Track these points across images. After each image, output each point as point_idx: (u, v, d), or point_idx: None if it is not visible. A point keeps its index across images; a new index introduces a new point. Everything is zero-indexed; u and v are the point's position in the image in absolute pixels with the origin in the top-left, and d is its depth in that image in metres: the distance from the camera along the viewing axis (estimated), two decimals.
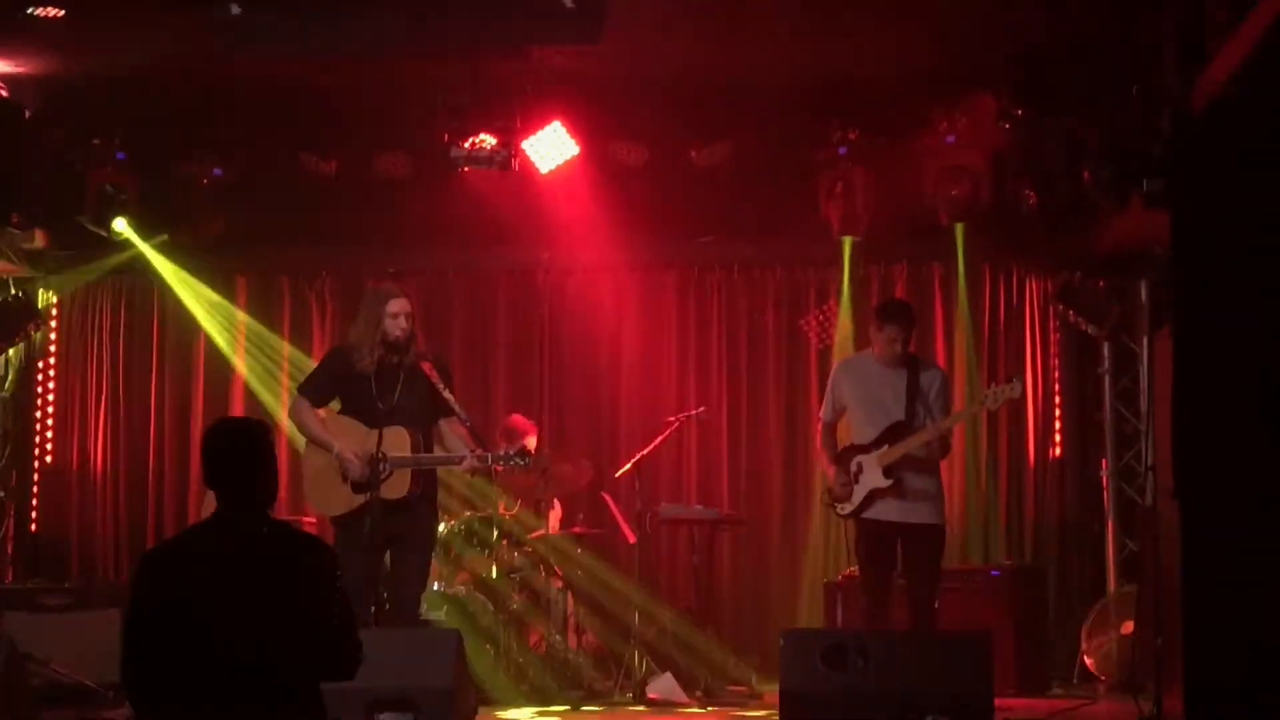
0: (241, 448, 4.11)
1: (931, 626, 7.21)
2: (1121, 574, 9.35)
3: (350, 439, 7.02)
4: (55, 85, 8.81)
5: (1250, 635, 5.38)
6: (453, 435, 7.15)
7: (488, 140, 8.73)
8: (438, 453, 7.14)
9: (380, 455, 6.80)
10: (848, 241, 9.69)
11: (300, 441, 7.49)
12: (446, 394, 7.05)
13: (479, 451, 7.05)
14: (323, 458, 7.09)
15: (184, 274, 9.95)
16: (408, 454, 6.95)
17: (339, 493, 7.03)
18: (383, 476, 6.83)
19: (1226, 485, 5.53)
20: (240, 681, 3.89)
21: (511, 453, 7.13)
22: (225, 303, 10.10)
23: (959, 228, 9.44)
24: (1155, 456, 7.40)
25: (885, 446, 7.30)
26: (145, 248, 9.65)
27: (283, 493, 9.51)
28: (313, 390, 7.27)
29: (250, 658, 3.90)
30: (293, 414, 7.33)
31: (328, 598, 4.03)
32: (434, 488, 7.21)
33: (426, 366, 7.08)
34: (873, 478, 7.31)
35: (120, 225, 9.42)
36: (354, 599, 4.33)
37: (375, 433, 6.83)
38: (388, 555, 7.01)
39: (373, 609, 6.86)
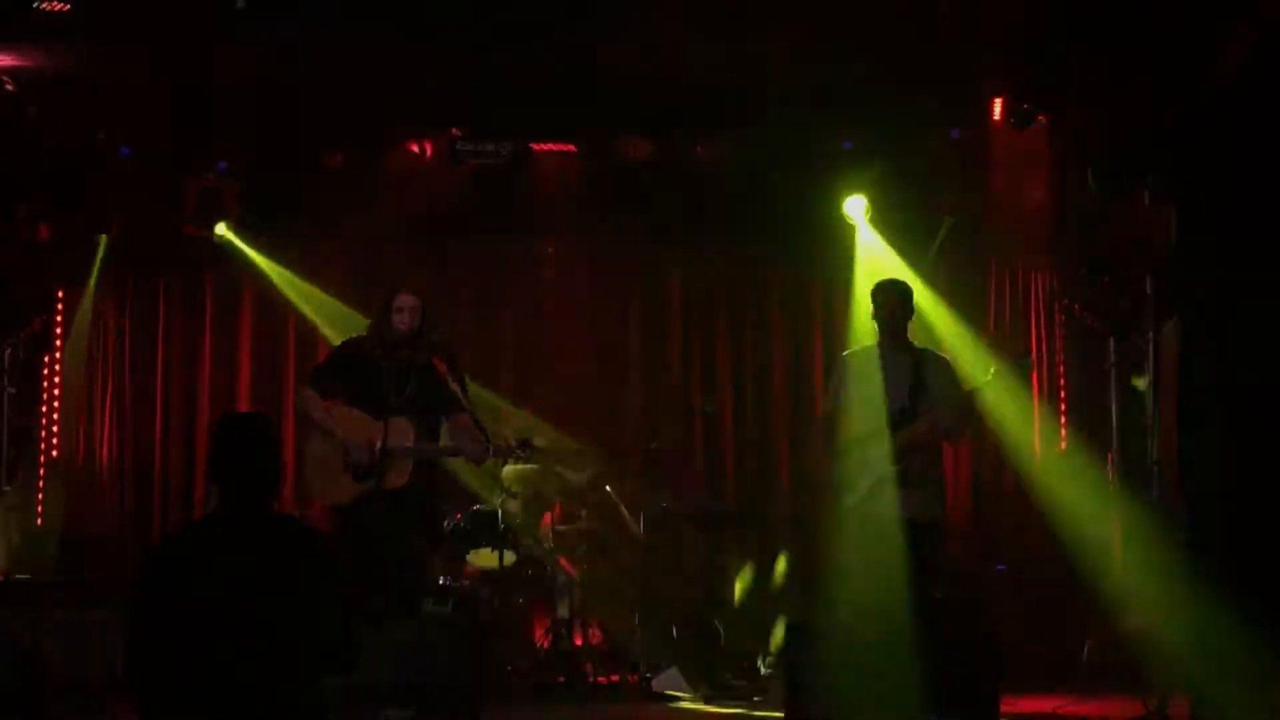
0: (246, 442, 4.10)
1: (936, 622, 7.20)
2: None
3: (355, 428, 7.02)
4: (61, 79, 8.81)
5: (1256, 631, 5.38)
6: (459, 428, 7.16)
7: (495, 135, 8.73)
8: (443, 445, 7.15)
9: (384, 445, 6.80)
10: (855, 235, 9.69)
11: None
12: (454, 387, 7.05)
13: (480, 444, 7.05)
14: (325, 445, 7.10)
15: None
16: (410, 444, 6.96)
17: (341, 481, 7.04)
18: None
19: (1232, 479, 5.52)
20: (243, 676, 3.89)
21: (513, 446, 7.13)
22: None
23: (945, 220, 9.43)
24: (1161, 451, 7.40)
25: (890, 435, 7.28)
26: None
27: (288, 489, 9.54)
28: (320, 382, 7.29)
29: (253, 652, 3.89)
30: (299, 403, 7.34)
31: (328, 591, 4.03)
32: (435, 480, 7.21)
33: (437, 360, 7.10)
34: (878, 466, 7.29)
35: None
36: (354, 591, 4.33)
37: (379, 423, 6.83)
38: (389, 547, 7.01)
39: (375, 601, 6.85)
